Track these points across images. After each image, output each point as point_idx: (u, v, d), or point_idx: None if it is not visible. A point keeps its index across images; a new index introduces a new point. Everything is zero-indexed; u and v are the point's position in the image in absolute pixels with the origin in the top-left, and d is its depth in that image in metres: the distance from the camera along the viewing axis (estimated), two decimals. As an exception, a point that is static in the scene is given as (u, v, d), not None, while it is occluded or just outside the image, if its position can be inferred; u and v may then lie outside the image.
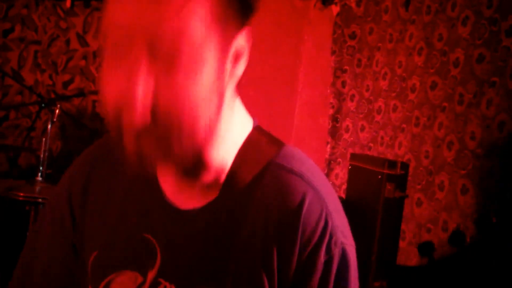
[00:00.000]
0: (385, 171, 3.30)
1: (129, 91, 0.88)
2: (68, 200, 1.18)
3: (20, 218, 3.44)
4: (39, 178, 3.59)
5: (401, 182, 3.34)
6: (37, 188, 3.46)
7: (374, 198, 3.36)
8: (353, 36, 4.24)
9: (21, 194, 3.30)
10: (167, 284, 1.05)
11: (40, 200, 3.33)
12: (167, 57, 0.88)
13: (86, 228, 1.15)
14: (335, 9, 4.41)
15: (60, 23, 5.09)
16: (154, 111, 0.89)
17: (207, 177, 1.05)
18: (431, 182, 3.29)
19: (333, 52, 4.42)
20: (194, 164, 1.01)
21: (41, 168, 3.61)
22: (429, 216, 3.28)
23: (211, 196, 1.06)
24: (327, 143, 4.40)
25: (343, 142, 4.26)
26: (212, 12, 0.91)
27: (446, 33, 3.34)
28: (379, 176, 3.31)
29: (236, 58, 1.00)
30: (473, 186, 3.01)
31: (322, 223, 1.01)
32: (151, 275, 1.06)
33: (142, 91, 0.87)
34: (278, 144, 1.09)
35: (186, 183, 1.07)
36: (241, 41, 1.00)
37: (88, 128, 5.09)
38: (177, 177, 1.07)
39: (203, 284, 1.03)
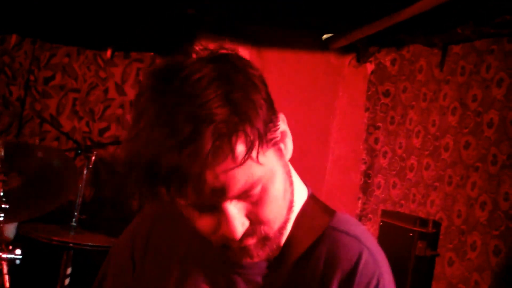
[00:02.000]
0: (417, 229, 3.29)
1: (231, 228, 1.04)
2: (130, 254, 1.28)
3: (53, 262, 3.48)
4: (73, 224, 3.64)
5: (432, 240, 3.32)
6: (71, 233, 3.51)
7: (405, 256, 3.35)
8: (387, 94, 4.29)
9: (56, 238, 3.35)
10: None
11: (72, 245, 3.37)
12: (250, 198, 1.04)
13: (145, 280, 1.24)
14: (369, 67, 4.47)
15: (99, 72, 5.22)
16: (250, 230, 1.07)
17: None
18: (463, 241, 3.27)
19: (367, 109, 4.46)
20: None
21: (75, 213, 3.67)
22: (460, 276, 3.25)
23: (271, 255, 1.15)
24: (358, 198, 4.40)
25: (375, 198, 4.26)
26: (255, 144, 0.99)
27: (480, 94, 3.36)
28: (411, 234, 3.31)
29: (283, 139, 1.11)
30: (505, 247, 2.98)
31: (374, 282, 1.11)
32: None
33: (240, 224, 1.05)
34: (331, 211, 1.22)
35: None
36: (282, 127, 1.10)
37: (121, 175, 5.16)
38: None
39: None
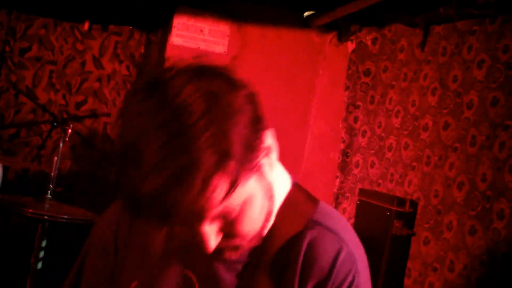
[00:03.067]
0: (394, 208, 3.31)
1: (202, 245, 1.06)
2: (114, 238, 1.30)
3: (28, 234, 3.45)
4: (49, 196, 3.60)
5: (409, 220, 3.35)
6: (46, 206, 3.47)
7: (382, 235, 3.37)
8: (367, 73, 4.28)
9: (30, 211, 3.31)
10: None
11: (46, 217, 3.34)
12: (226, 218, 1.05)
13: (128, 261, 1.26)
14: (350, 45, 4.46)
15: (77, 45, 5.15)
16: (224, 243, 1.09)
17: None
18: (439, 221, 3.29)
19: (347, 88, 4.46)
20: None
21: (51, 186, 3.63)
22: (435, 255, 3.28)
23: (253, 245, 1.18)
24: (336, 177, 4.41)
25: (353, 177, 4.27)
26: (237, 179, 0.99)
27: (461, 75, 3.37)
28: (388, 213, 3.32)
29: (268, 154, 1.10)
30: (481, 227, 3.01)
31: (350, 279, 1.15)
32: None
33: (213, 240, 1.06)
34: (314, 201, 1.24)
35: None
36: (268, 142, 1.09)
37: (98, 149, 5.12)
38: None
39: None
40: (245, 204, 1.06)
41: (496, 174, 2.98)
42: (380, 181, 3.92)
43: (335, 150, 4.44)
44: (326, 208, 1.24)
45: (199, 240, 1.05)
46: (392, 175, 3.81)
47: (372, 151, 4.08)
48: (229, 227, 1.07)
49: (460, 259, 3.10)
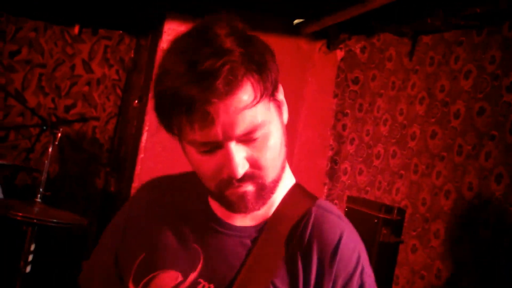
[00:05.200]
0: (382, 215, 3.34)
1: (232, 166, 1.16)
2: (125, 217, 1.42)
3: (17, 237, 3.45)
4: (38, 200, 3.61)
5: (396, 227, 3.37)
6: (35, 209, 3.48)
7: (369, 242, 3.39)
8: (356, 81, 4.33)
9: (20, 214, 3.32)
10: (206, 284, 1.23)
11: (36, 221, 3.34)
12: (251, 142, 1.17)
13: (137, 237, 1.35)
14: (339, 53, 4.49)
15: (66, 48, 5.16)
16: (249, 174, 1.19)
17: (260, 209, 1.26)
18: (427, 229, 3.34)
19: (335, 95, 4.49)
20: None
21: (40, 189, 3.64)
22: (423, 263, 3.32)
23: (259, 222, 1.28)
24: (325, 184, 4.45)
25: (341, 184, 4.30)
26: (263, 94, 1.15)
27: (448, 85, 3.41)
28: (375, 220, 3.35)
29: (279, 108, 1.25)
30: (468, 236, 3.05)
31: (356, 255, 1.23)
32: (192, 276, 1.24)
33: (241, 164, 1.17)
34: (314, 197, 1.35)
35: None
36: (280, 96, 1.26)
37: (86, 152, 5.13)
38: None
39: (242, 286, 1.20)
40: (265, 136, 1.18)
41: (482, 183, 3.02)
42: (368, 188, 3.96)
43: (323, 157, 4.47)
44: (325, 201, 1.36)
45: (229, 163, 1.15)
46: (380, 182, 3.85)
47: (360, 159, 4.12)
48: (253, 157, 1.18)
49: (448, 267, 3.14)
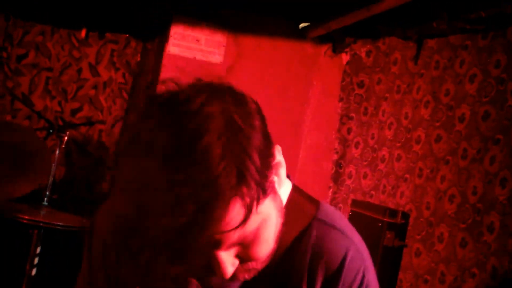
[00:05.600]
0: (386, 219, 3.33)
1: (221, 272, 1.03)
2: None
3: (23, 240, 3.47)
4: (45, 203, 3.62)
5: (401, 231, 3.37)
6: (42, 213, 3.50)
7: (373, 246, 3.39)
8: (361, 84, 4.33)
9: (26, 217, 3.33)
10: None
11: (42, 224, 3.36)
12: (242, 243, 1.03)
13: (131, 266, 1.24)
14: (345, 57, 4.50)
15: (73, 52, 5.17)
16: (241, 266, 1.07)
17: None
18: (431, 233, 3.33)
19: (341, 99, 4.49)
20: None
21: (47, 193, 3.65)
22: (427, 267, 3.31)
23: (266, 264, 1.14)
24: (329, 187, 4.45)
25: (345, 187, 4.30)
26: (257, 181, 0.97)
27: (453, 89, 3.41)
28: (380, 224, 3.35)
29: (277, 171, 1.08)
30: (472, 240, 3.04)
31: (360, 276, 1.15)
32: None
33: (230, 265, 1.04)
34: (316, 202, 1.23)
35: None
36: (277, 158, 1.08)
37: (93, 156, 5.14)
38: None
39: None
40: (261, 226, 1.04)
41: (487, 187, 3.02)
42: (372, 192, 3.96)
43: (328, 161, 4.48)
44: (327, 207, 1.24)
45: (216, 267, 1.02)
46: (384, 186, 3.85)
47: (365, 163, 4.12)
48: (245, 252, 1.05)
49: (451, 270, 3.14)
